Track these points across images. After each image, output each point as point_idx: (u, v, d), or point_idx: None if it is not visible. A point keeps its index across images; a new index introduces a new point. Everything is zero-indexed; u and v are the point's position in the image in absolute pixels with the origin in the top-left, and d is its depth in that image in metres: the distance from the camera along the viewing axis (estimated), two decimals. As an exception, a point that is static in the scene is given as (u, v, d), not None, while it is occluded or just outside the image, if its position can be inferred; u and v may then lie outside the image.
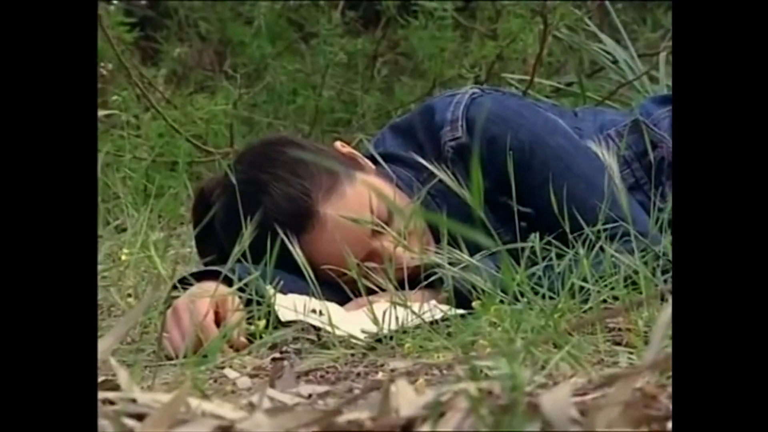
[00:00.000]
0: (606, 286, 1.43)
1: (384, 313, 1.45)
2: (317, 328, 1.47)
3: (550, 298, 1.41)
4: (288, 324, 1.47)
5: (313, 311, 1.48)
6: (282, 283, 1.52)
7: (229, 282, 1.48)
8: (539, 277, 1.46)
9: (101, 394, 0.83)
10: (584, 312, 1.40)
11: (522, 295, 1.37)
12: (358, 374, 1.30)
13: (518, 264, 1.43)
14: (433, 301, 1.53)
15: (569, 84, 3.39)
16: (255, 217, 1.54)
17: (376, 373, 1.30)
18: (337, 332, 1.43)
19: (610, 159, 1.51)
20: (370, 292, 1.51)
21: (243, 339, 1.47)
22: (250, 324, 1.48)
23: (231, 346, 1.45)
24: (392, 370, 1.27)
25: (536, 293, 1.40)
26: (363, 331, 1.46)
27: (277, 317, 1.48)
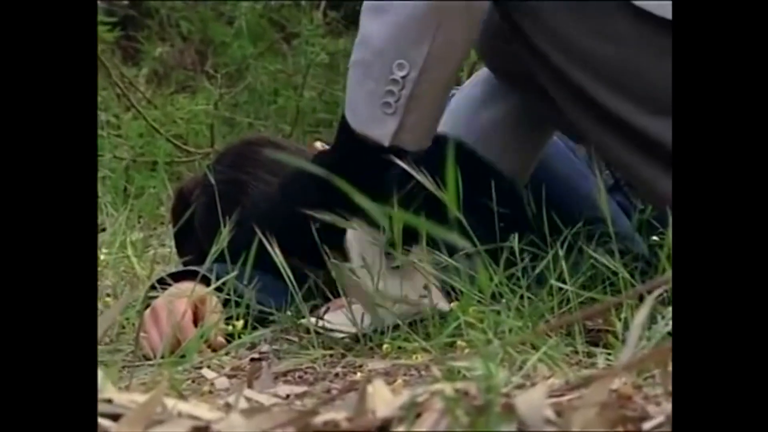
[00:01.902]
0: (585, 287, 1.43)
1: (363, 313, 1.44)
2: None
3: (529, 299, 1.41)
4: (267, 324, 1.47)
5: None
6: (260, 283, 1.51)
7: (207, 282, 1.47)
8: (518, 278, 1.46)
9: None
10: (563, 313, 1.40)
11: (501, 296, 1.37)
12: (336, 375, 1.30)
13: (497, 265, 1.43)
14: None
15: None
16: (234, 217, 1.53)
17: (355, 373, 1.29)
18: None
19: (590, 160, 1.51)
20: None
21: (221, 339, 1.46)
22: (228, 324, 1.47)
23: (209, 347, 1.45)
24: (370, 371, 1.27)
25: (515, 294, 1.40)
26: (341, 332, 1.45)
27: (255, 318, 1.47)
